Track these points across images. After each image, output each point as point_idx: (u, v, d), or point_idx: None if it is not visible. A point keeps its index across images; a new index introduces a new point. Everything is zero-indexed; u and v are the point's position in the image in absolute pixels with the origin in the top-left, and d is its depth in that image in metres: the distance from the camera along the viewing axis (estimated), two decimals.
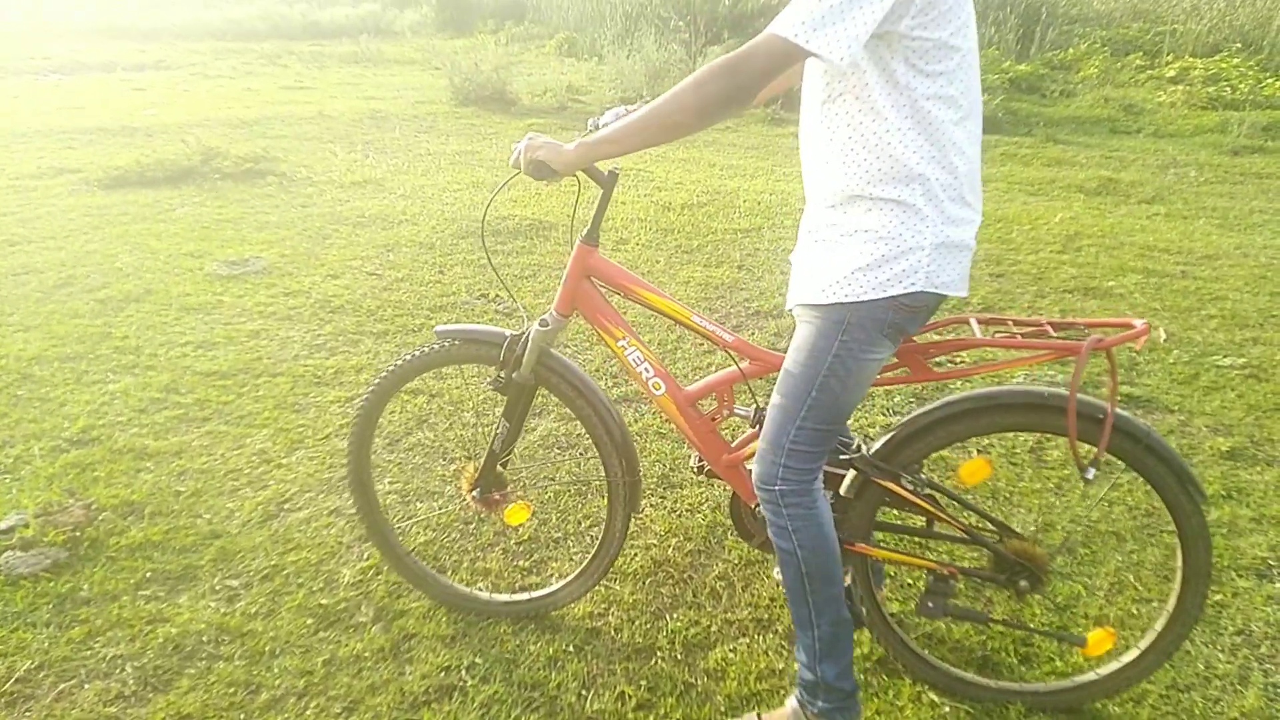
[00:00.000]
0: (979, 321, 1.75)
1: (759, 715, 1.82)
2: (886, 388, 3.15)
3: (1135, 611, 2.10)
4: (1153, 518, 2.43)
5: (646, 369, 1.90)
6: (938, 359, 1.92)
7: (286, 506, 2.54)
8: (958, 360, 3.03)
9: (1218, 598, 2.14)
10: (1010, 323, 1.75)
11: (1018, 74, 11.16)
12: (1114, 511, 2.50)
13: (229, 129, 8.50)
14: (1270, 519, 2.43)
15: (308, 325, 3.83)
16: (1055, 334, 1.67)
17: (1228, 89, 10.40)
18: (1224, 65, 11.55)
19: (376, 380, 2.00)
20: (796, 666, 1.75)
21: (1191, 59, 12.23)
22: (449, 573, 2.26)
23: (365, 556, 2.30)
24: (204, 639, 2.04)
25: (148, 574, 2.25)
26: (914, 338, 1.74)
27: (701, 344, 3.61)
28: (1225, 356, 3.47)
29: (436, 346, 1.95)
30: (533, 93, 11.04)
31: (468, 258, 4.74)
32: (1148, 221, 5.69)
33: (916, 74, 1.38)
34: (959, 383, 3.14)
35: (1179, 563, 1.71)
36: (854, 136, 1.45)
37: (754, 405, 1.93)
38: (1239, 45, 13.11)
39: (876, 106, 1.41)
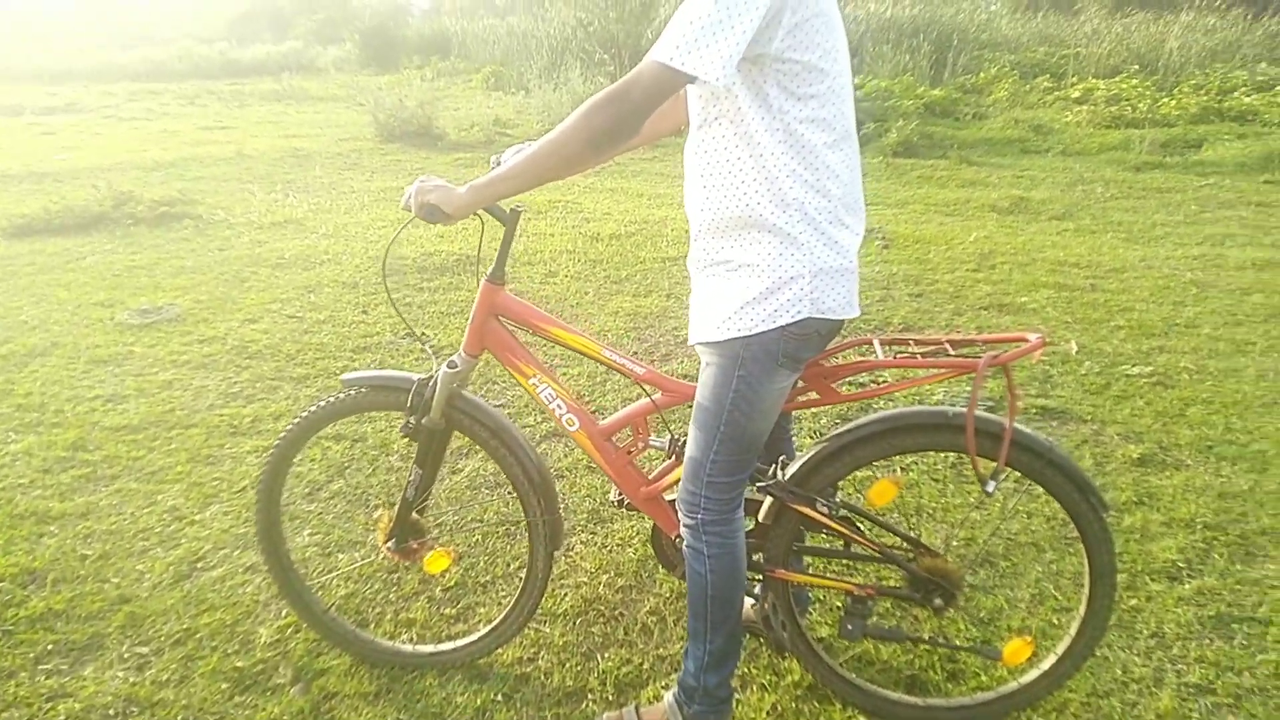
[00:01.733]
0: (882, 342, 1.79)
1: (637, 709, 1.87)
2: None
3: (1056, 621, 2.14)
4: (1069, 526, 2.49)
5: (560, 406, 1.89)
6: (844, 381, 1.94)
7: (200, 565, 2.44)
8: (880, 380, 3.08)
9: (1132, 602, 2.20)
10: (912, 342, 1.78)
11: (932, 99, 11.54)
12: (1033, 523, 2.55)
13: (143, 172, 8.28)
14: (1179, 522, 2.51)
15: (224, 373, 3.71)
16: (954, 351, 1.72)
17: (1128, 108, 10.91)
18: (1124, 86, 12.12)
19: (280, 437, 1.94)
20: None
21: (1094, 80, 12.83)
22: (371, 626, 2.19)
23: (283, 614, 2.22)
24: (111, 712, 1.94)
25: (49, 646, 2.13)
26: (820, 361, 1.77)
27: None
28: (1134, 365, 3.61)
29: (342, 396, 1.91)
30: (459, 127, 11.01)
31: (393, 295, 4.67)
32: (1058, 238, 5.90)
33: (789, 97, 1.41)
34: (881, 401, 3.19)
35: (1086, 570, 1.75)
36: (729, 161, 1.48)
37: (669, 435, 1.94)
38: (1136, 67, 13.81)
39: (750, 131, 1.44)
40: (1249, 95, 11.07)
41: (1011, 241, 5.72)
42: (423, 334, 4.16)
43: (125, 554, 2.49)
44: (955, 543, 2.47)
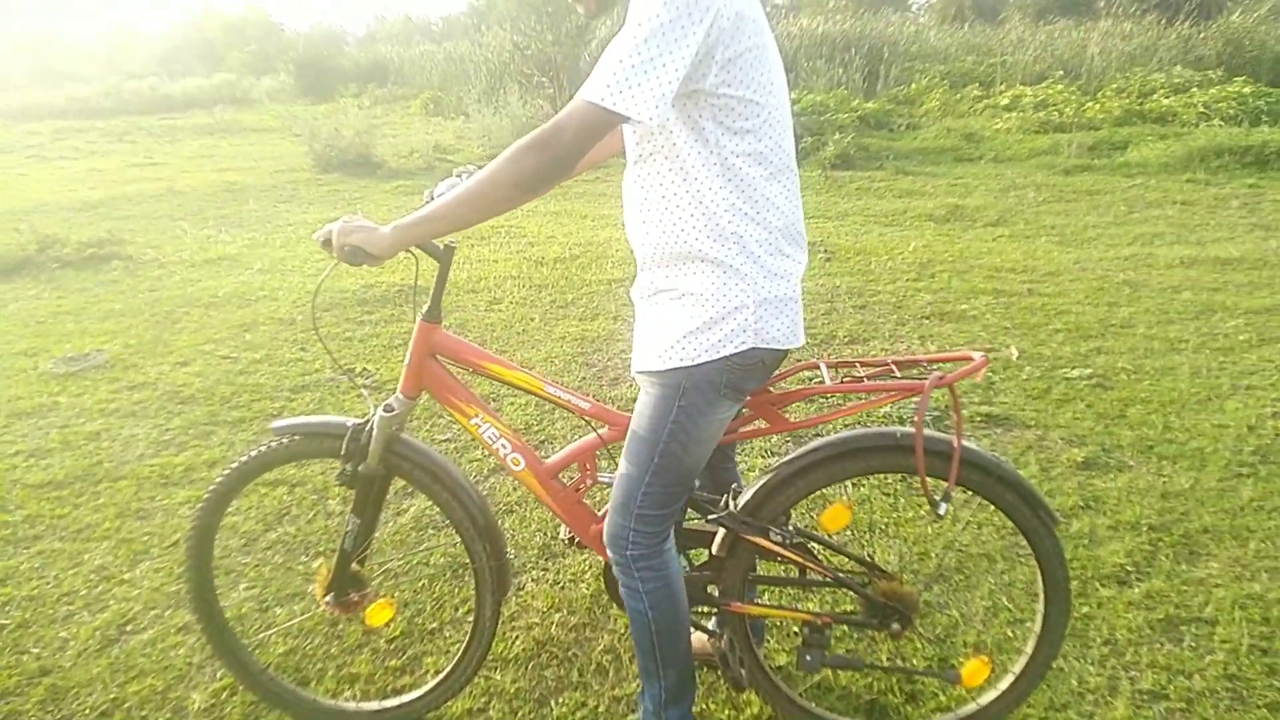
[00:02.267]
0: (828, 366, 1.77)
1: None
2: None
3: (1011, 634, 2.14)
4: (1019, 537, 2.49)
5: (504, 445, 1.83)
6: (791, 407, 1.93)
7: (129, 628, 2.32)
8: (828, 405, 3.07)
9: (1084, 610, 2.21)
10: (858, 365, 1.77)
11: (866, 111, 11.75)
12: (983, 533, 2.56)
13: (70, 213, 8.01)
14: (1125, 525, 2.54)
15: (154, 420, 3.57)
16: (900, 373, 1.71)
17: (1055, 113, 11.23)
18: (1050, 91, 12.49)
19: (209, 490, 1.85)
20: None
21: (1022, 87, 13.19)
22: (312, 684, 2.09)
23: (218, 676, 2.11)
24: None
25: None
26: (767, 388, 1.75)
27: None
28: (1073, 369, 3.67)
29: (273, 444, 1.83)
30: (398, 154, 10.89)
31: (332, 331, 4.57)
32: (994, 244, 6.02)
33: (725, 131, 1.39)
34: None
35: (1040, 585, 1.75)
36: (667, 196, 1.46)
37: (618, 471, 1.89)
38: (1061, 73, 14.25)
39: (686, 166, 1.42)
40: (1167, 97, 11.48)
41: (949, 249, 5.81)
42: (362, 370, 4.05)
43: (47, 621, 2.35)
44: (907, 559, 2.46)
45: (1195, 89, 11.68)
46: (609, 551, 1.69)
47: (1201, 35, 15.57)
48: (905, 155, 9.80)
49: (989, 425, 3.22)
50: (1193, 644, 2.07)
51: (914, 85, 14.35)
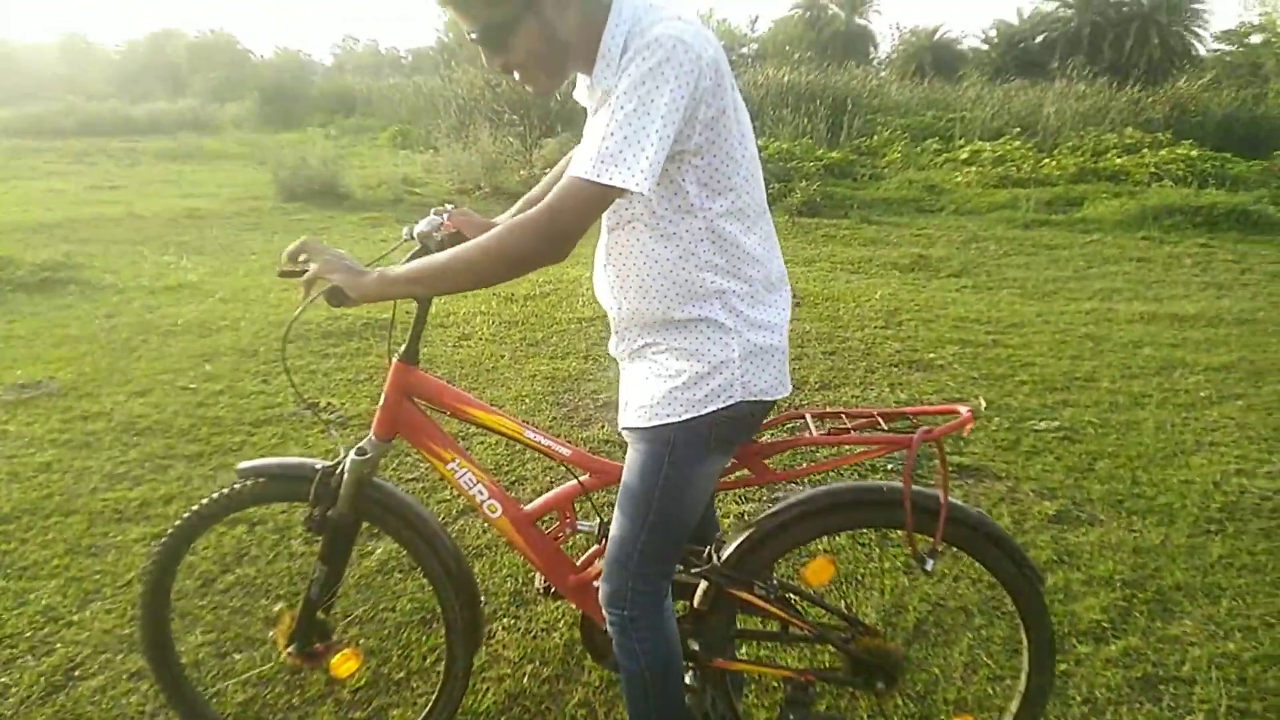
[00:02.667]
0: (813, 416, 1.76)
1: None
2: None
3: (991, 690, 2.12)
4: (996, 589, 2.49)
5: (480, 491, 1.78)
6: (777, 458, 1.91)
7: (76, 674, 2.19)
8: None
9: (1062, 667, 2.20)
10: (844, 415, 1.76)
11: (830, 160, 11.99)
12: (959, 587, 2.55)
13: (25, 234, 7.81)
14: (1099, 580, 2.55)
15: (109, 452, 3.44)
16: (886, 425, 1.70)
17: (1013, 168, 11.56)
18: (1008, 147, 12.87)
19: (167, 534, 1.77)
20: None
21: (980, 143, 13.57)
22: None
23: None
24: None
25: None
26: (753, 438, 1.73)
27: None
28: (1041, 421, 3.71)
29: (237, 487, 1.75)
30: (366, 185, 10.83)
31: (297, 364, 4.46)
32: (958, 294, 6.12)
33: (708, 193, 1.39)
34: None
35: (1024, 643, 1.73)
36: (647, 263, 1.45)
37: (598, 520, 1.85)
38: (1018, 129, 14.71)
39: (668, 231, 1.41)
40: (1119, 156, 11.90)
41: (915, 298, 5.90)
42: (326, 404, 3.96)
43: None
44: (885, 612, 2.43)
45: (1146, 150, 12.14)
46: (606, 611, 1.63)
47: (1150, 99, 16.25)
48: (869, 204, 9.98)
49: (960, 476, 3.24)
50: (1171, 704, 2.07)
51: (876, 137, 14.71)
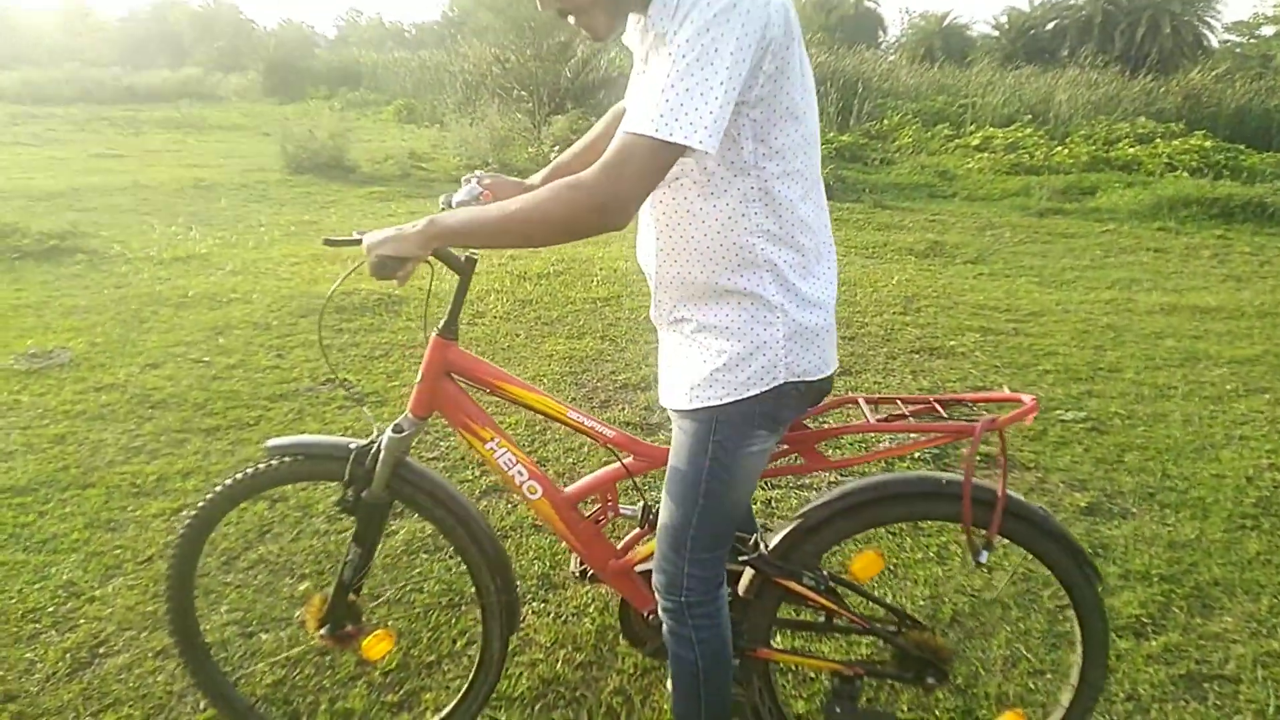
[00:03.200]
0: (867, 402, 1.71)
1: None
2: None
3: (1033, 685, 2.08)
4: (1030, 582, 2.46)
5: (520, 472, 1.73)
6: (829, 443, 1.86)
7: (102, 651, 2.16)
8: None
9: None
10: (899, 401, 1.71)
11: (841, 144, 11.89)
12: (994, 578, 2.51)
13: (29, 201, 7.71)
14: (1136, 574, 2.51)
15: (124, 424, 3.39)
16: (944, 413, 1.66)
17: (1026, 156, 11.47)
18: (1020, 134, 12.76)
19: (194, 511, 1.72)
20: None
21: (992, 129, 13.45)
22: (303, 718, 1.96)
23: (202, 707, 1.96)
24: None
25: None
26: (805, 424, 1.68)
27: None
28: (1067, 411, 3.67)
29: (268, 465, 1.70)
30: (373, 160, 10.72)
31: (309, 338, 4.40)
32: (975, 281, 6.07)
33: (764, 150, 1.30)
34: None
35: (1078, 639, 1.70)
36: (694, 223, 1.37)
37: (640, 503, 1.80)
38: (1030, 117, 14.58)
39: (719, 190, 1.33)
40: (1132, 146, 11.80)
41: (932, 284, 5.84)
42: (342, 381, 3.90)
43: (11, 640, 2.18)
44: (921, 603, 2.40)
45: (1159, 140, 12.04)
46: (661, 598, 1.58)
47: (1163, 89, 16.11)
48: (881, 189, 9.90)
49: (989, 465, 3.19)
50: (1218, 702, 2.04)
51: (886, 121, 14.58)
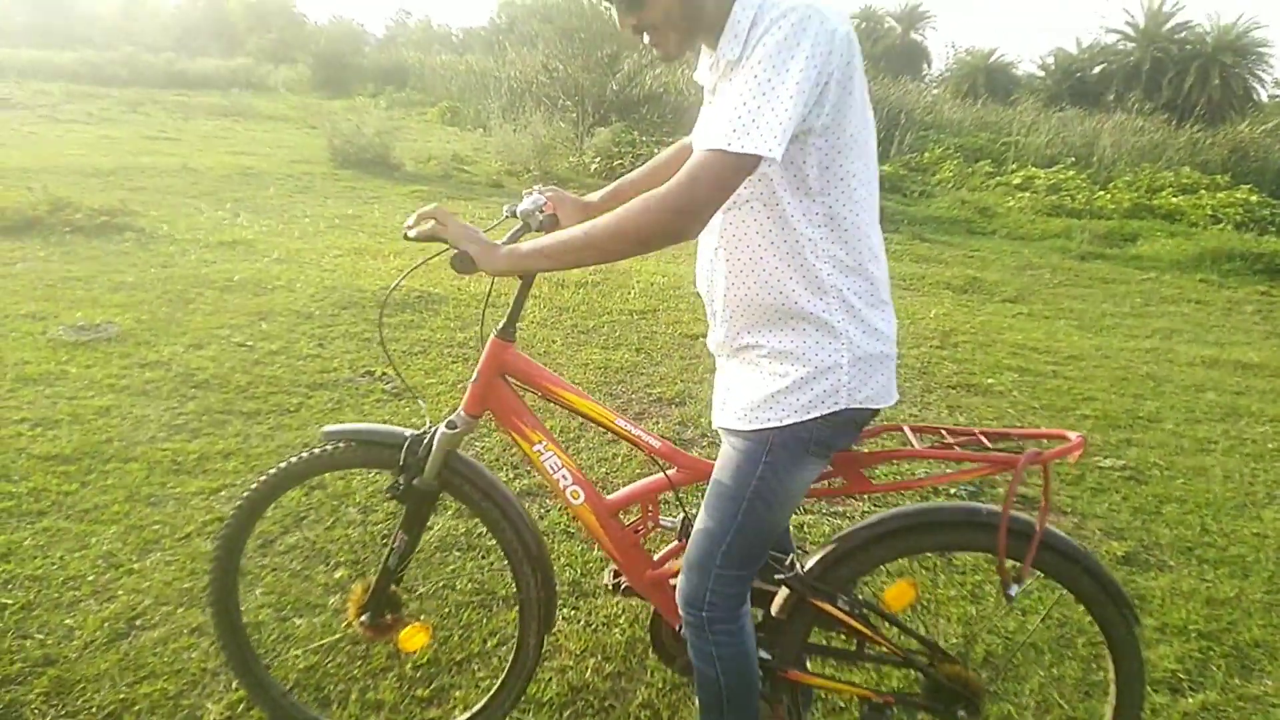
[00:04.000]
0: (912, 430, 1.71)
1: None
2: None
3: None
4: (1065, 628, 2.43)
5: (564, 476, 1.74)
6: (874, 469, 1.86)
7: (139, 623, 2.19)
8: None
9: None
10: (943, 431, 1.71)
11: (881, 174, 11.85)
12: (1028, 620, 2.49)
13: (82, 177, 7.87)
14: (1173, 628, 2.47)
15: (167, 402, 3.44)
16: (990, 445, 1.65)
17: (1068, 198, 11.40)
18: (1062, 176, 12.68)
19: (247, 491, 1.75)
20: None
21: (1034, 169, 13.38)
22: (333, 706, 1.97)
23: (234, 686, 1.98)
24: None
25: None
26: (851, 447, 1.68)
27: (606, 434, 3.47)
28: (1105, 458, 3.63)
29: (323, 450, 1.73)
30: (416, 159, 10.84)
31: (350, 330, 4.46)
32: (1014, 320, 6.02)
33: (830, 177, 1.33)
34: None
35: (1111, 685, 1.68)
36: (763, 245, 1.39)
37: (681, 515, 1.81)
38: (1072, 159, 14.49)
39: (786, 214, 1.35)
40: (1175, 195, 11.70)
41: (970, 321, 5.81)
42: (381, 375, 3.94)
43: (52, 605, 2.22)
44: (952, 639, 2.38)
45: (1204, 191, 11.92)
46: (683, 611, 1.59)
47: (1209, 141, 15.96)
48: (921, 221, 9.87)
49: (1025, 507, 3.16)
50: None
51: (927, 154, 14.55)
